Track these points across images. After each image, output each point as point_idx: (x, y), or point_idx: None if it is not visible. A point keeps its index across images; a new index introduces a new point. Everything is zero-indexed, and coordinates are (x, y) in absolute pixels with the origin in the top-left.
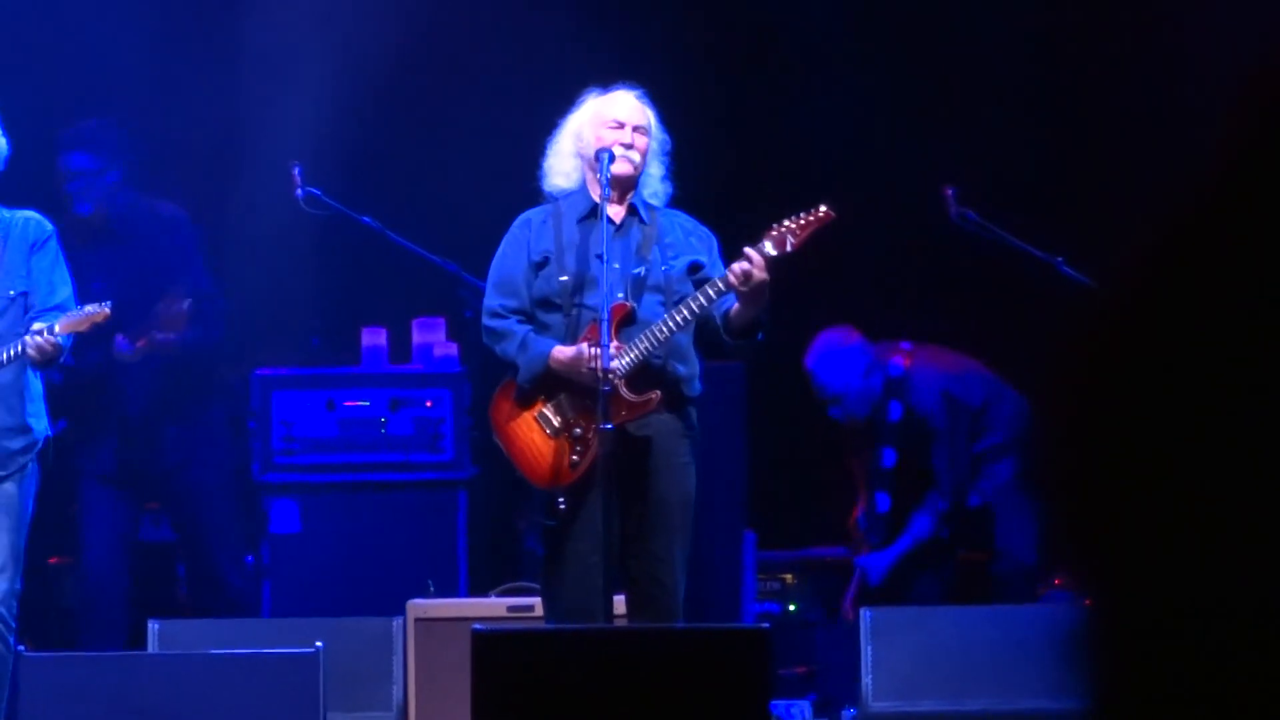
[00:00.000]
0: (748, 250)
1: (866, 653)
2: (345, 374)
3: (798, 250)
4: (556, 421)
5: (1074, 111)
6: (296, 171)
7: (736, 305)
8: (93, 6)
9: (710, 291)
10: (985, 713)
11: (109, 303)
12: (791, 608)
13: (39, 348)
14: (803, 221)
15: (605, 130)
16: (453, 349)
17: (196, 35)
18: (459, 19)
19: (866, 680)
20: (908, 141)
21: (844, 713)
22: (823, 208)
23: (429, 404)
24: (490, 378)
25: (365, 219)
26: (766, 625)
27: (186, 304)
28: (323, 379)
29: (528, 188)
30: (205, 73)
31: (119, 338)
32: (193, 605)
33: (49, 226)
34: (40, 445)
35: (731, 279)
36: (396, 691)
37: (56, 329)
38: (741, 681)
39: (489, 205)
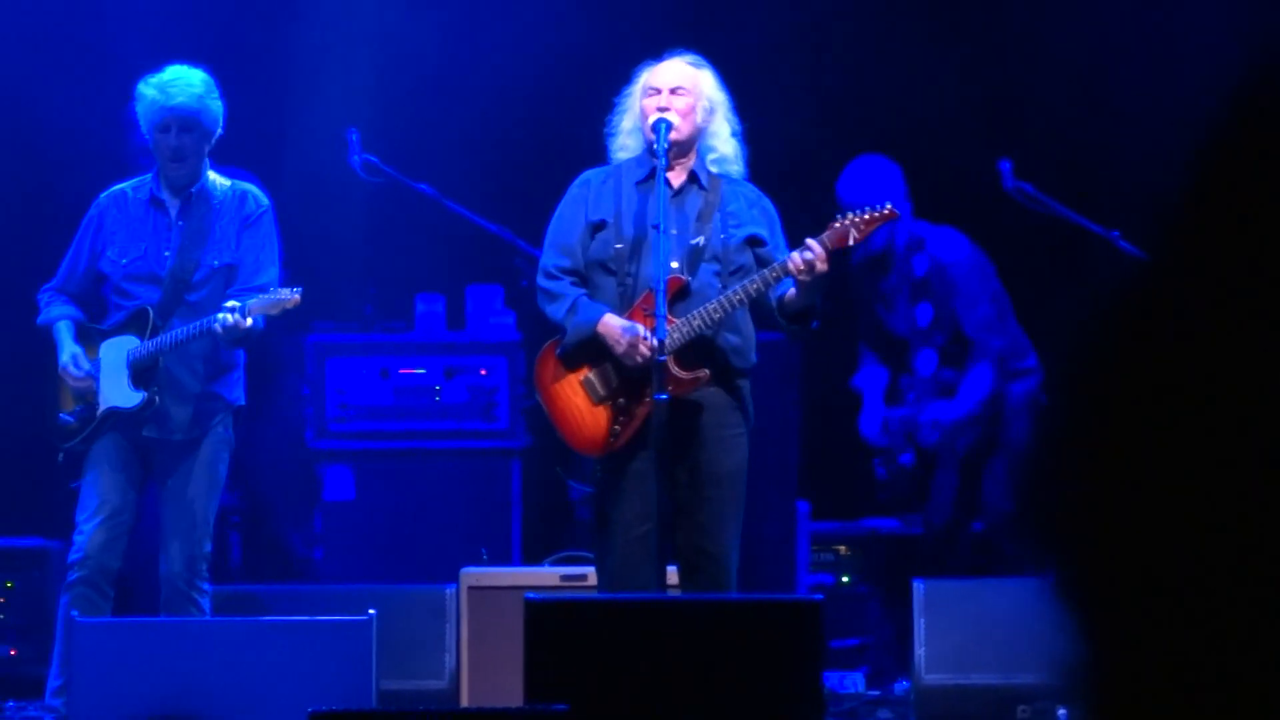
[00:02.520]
0: (810, 242)
1: (919, 625)
2: (400, 341)
3: (859, 244)
4: (602, 389)
5: (1129, 83)
6: (353, 137)
7: (793, 291)
8: None
9: (769, 275)
10: (1038, 686)
11: (299, 289)
12: (844, 579)
13: (228, 328)
14: (866, 217)
15: (646, 100)
16: (510, 317)
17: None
18: None
19: (919, 652)
20: (962, 112)
21: (896, 685)
22: (888, 206)
23: (483, 372)
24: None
25: (421, 186)
26: (819, 596)
27: None
28: (377, 345)
29: (586, 154)
30: (261, 38)
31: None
32: (247, 571)
33: (265, 201)
34: (228, 413)
35: (792, 267)
36: (449, 659)
37: (248, 311)
38: (794, 653)
39: (547, 172)
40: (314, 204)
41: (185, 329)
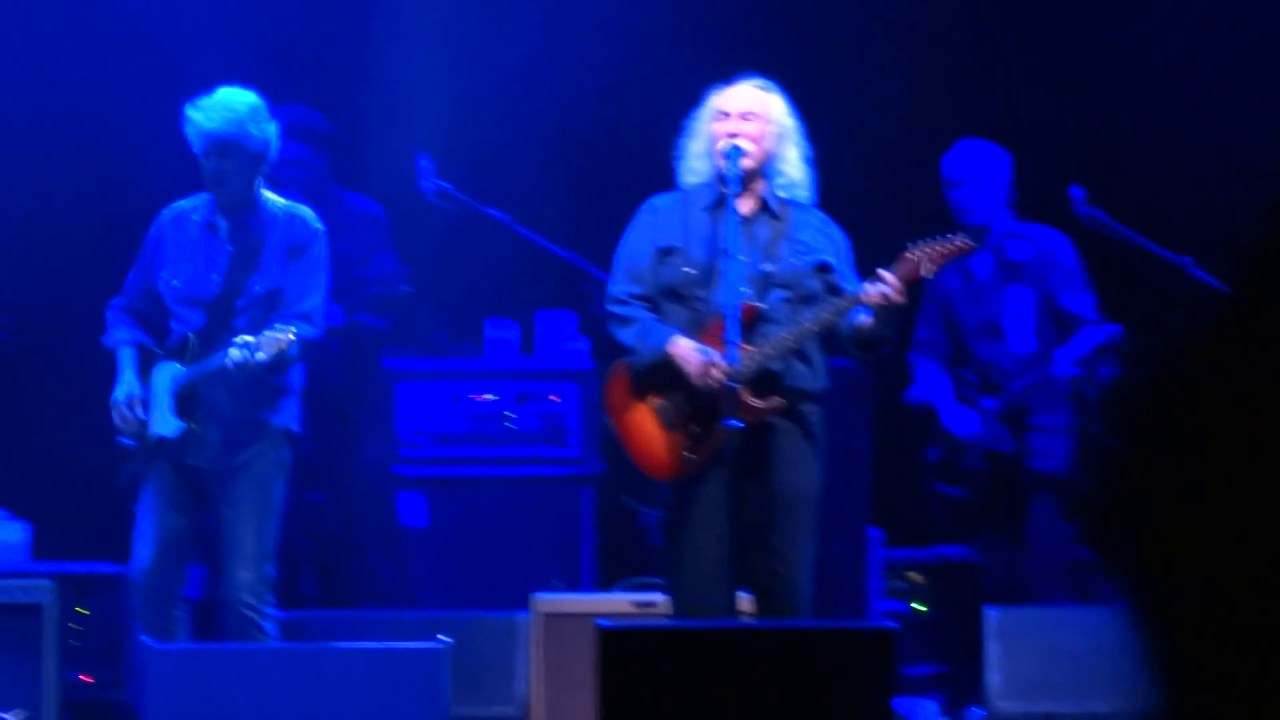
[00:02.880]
0: (883, 273)
1: (993, 652)
2: (472, 367)
3: (931, 277)
4: (674, 415)
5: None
6: (425, 164)
7: (868, 320)
8: None
9: (841, 304)
10: (1113, 715)
11: (294, 329)
12: (917, 606)
13: (238, 365)
14: (939, 249)
15: (715, 124)
16: (581, 343)
17: (325, 25)
18: (584, 12)
19: (993, 680)
20: (1034, 138)
21: (970, 712)
22: (961, 238)
23: (555, 398)
24: None
25: (493, 211)
26: (892, 624)
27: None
28: (449, 371)
29: (656, 179)
30: (333, 64)
31: (332, 306)
32: (320, 598)
33: (317, 227)
34: (279, 438)
35: (865, 299)
36: (521, 686)
37: (258, 348)
38: (866, 680)
39: (618, 198)
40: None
41: (213, 361)
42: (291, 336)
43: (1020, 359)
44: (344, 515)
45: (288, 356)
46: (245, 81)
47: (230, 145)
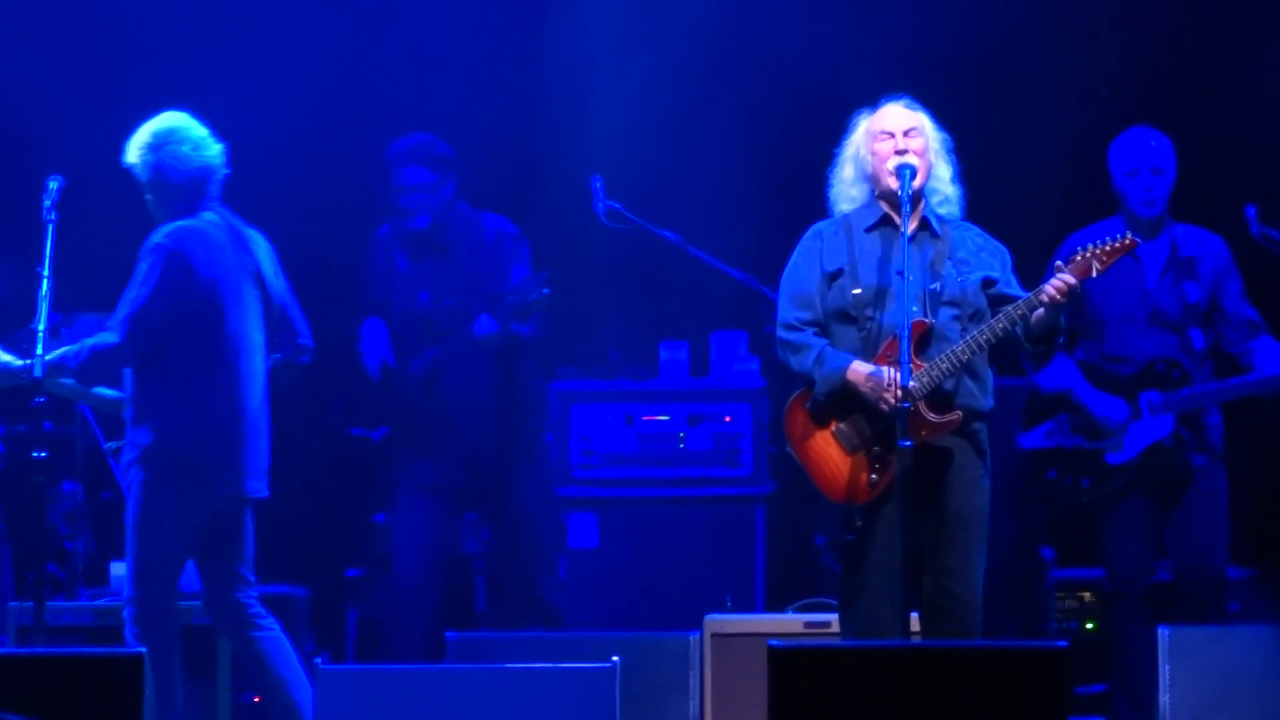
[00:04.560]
0: (1063, 274)
1: (1164, 671)
2: (644, 388)
3: (1100, 275)
4: (855, 438)
5: None
6: (597, 185)
7: (1039, 314)
8: (400, 19)
9: (1015, 311)
10: None
11: (32, 364)
12: (1090, 625)
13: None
14: (1108, 248)
15: (879, 144)
16: (754, 364)
17: (500, 48)
18: (757, 36)
19: (1165, 700)
20: (1205, 158)
21: None
22: (1128, 235)
23: (728, 419)
24: (789, 393)
25: (665, 233)
26: (1064, 643)
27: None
28: (621, 393)
29: (826, 200)
30: (508, 85)
31: (480, 319)
32: (492, 618)
33: (153, 241)
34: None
35: (1045, 298)
36: (693, 707)
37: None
38: (1039, 700)
39: (791, 219)
40: (559, 250)
41: None
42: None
43: (1200, 353)
44: (513, 535)
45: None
46: (426, 108)
47: (137, 175)
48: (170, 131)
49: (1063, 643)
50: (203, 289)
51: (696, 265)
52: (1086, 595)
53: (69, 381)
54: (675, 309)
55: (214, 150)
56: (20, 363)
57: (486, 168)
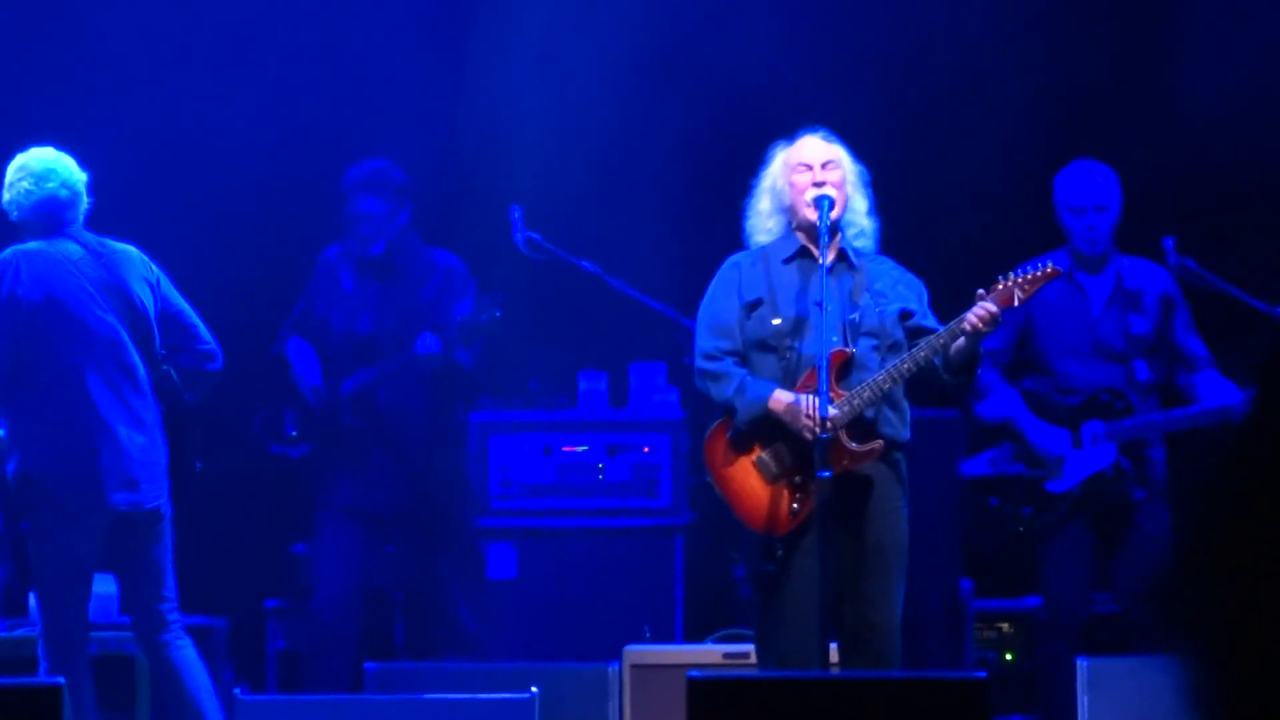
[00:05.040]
0: (984, 303)
1: (1083, 703)
2: (563, 418)
3: (1022, 305)
4: (775, 468)
5: None
6: (516, 215)
7: (960, 343)
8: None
9: (936, 341)
10: None
11: None
12: (1008, 656)
13: None
14: (1030, 277)
15: (796, 176)
16: (673, 394)
17: (418, 76)
18: (676, 67)
19: None
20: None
21: None
22: (1050, 265)
23: (646, 450)
24: (708, 424)
25: (584, 263)
26: (983, 674)
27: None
28: (540, 424)
29: (742, 231)
30: (427, 113)
31: (423, 336)
32: (410, 648)
33: None
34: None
35: (968, 326)
36: None
37: None
38: None
39: (709, 249)
40: (478, 280)
41: None
42: None
43: (1144, 385)
44: (431, 566)
45: None
46: (333, 134)
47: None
48: (17, 168)
49: (982, 673)
50: (27, 311)
51: (616, 296)
52: (1005, 626)
53: None
54: (594, 339)
55: (53, 184)
56: None
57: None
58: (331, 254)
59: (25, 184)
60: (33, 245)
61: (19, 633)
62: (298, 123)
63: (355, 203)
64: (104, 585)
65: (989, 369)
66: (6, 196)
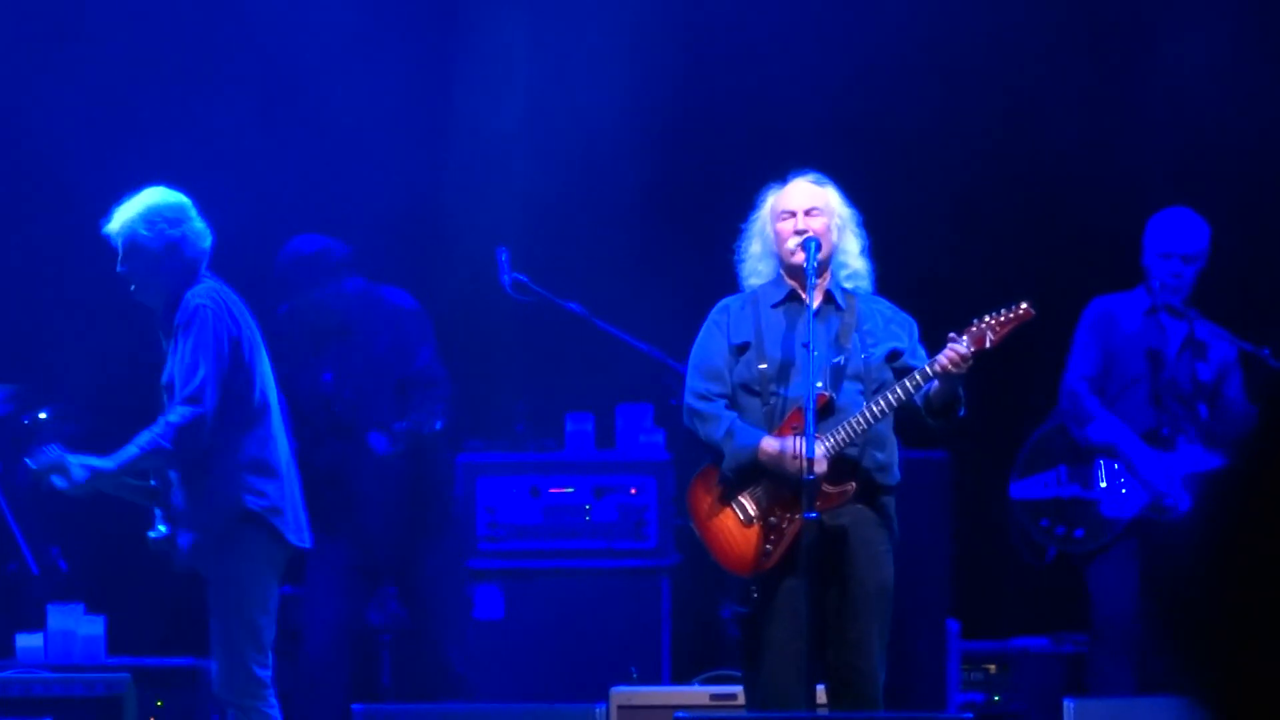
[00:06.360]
0: (955, 344)
1: None
2: (550, 460)
3: (995, 347)
4: (752, 510)
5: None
6: (503, 257)
7: (936, 385)
8: (305, 86)
9: (909, 384)
10: None
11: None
12: (995, 698)
13: None
14: (1004, 319)
15: (780, 224)
16: (659, 436)
17: (405, 118)
18: (666, 109)
19: None
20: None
21: None
22: (1024, 305)
23: (633, 491)
24: (695, 465)
25: (571, 305)
26: (969, 715)
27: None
28: (527, 465)
29: (734, 273)
30: (413, 156)
31: (373, 434)
32: (398, 690)
33: (195, 304)
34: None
35: (939, 369)
36: None
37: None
38: None
39: (696, 293)
40: (465, 322)
41: None
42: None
43: (1204, 425)
44: (419, 608)
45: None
46: (323, 184)
47: (125, 247)
48: (174, 206)
49: (969, 715)
50: (257, 349)
51: (602, 337)
52: (992, 668)
53: None
54: (581, 381)
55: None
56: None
57: (392, 239)
58: (283, 311)
59: (198, 224)
60: (214, 284)
61: (7, 675)
62: (279, 169)
63: (295, 283)
64: (92, 626)
65: (1089, 395)
66: (174, 232)
